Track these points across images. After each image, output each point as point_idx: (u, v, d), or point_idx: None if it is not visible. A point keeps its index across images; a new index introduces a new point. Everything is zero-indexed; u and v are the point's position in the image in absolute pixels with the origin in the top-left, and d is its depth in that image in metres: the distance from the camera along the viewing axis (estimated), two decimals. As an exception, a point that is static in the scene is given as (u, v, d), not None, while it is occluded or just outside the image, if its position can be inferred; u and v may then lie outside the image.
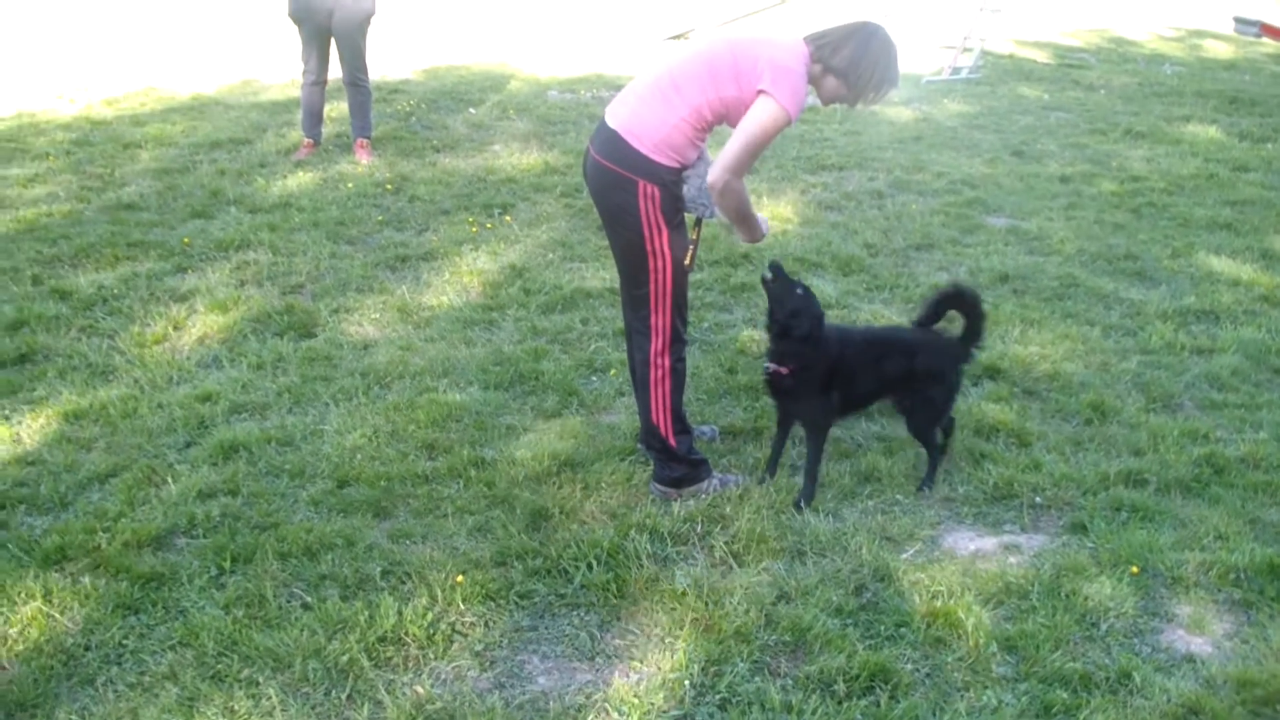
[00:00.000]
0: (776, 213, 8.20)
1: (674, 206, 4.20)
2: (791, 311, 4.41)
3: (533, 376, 5.54)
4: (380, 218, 7.92)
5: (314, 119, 9.44)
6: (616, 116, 4.19)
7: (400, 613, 3.71)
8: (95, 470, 4.61)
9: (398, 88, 12.28)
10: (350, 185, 8.55)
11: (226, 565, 3.99)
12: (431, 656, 3.59)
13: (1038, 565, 4.19)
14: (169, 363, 5.59)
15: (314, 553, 4.08)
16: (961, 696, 3.49)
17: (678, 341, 4.45)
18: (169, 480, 4.54)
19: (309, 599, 3.82)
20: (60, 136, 9.77)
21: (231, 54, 13.70)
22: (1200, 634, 3.85)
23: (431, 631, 3.67)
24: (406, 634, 3.64)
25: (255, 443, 4.83)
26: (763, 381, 4.72)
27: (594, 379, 5.62)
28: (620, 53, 15.10)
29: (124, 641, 3.61)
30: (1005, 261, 7.41)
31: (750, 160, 4.05)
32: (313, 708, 3.35)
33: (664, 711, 3.37)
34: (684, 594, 3.88)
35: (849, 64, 4.12)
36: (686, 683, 3.47)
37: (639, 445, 4.79)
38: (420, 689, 3.42)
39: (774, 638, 3.70)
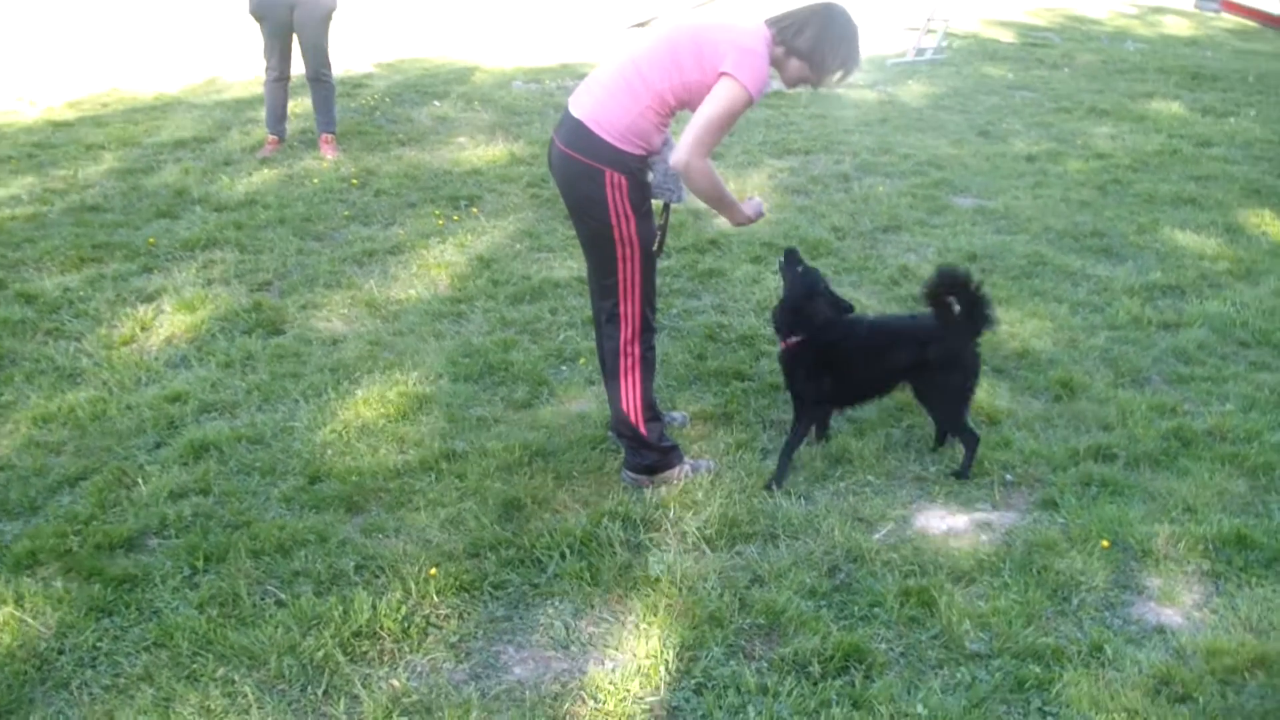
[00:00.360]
0: (742, 197, 8.17)
1: (641, 194, 4.20)
2: (789, 286, 4.66)
3: (502, 367, 5.54)
4: (346, 213, 7.89)
5: (278, 115, 9.38)
6: (581, 106, 4.17)
7: (374, 607, 3.71)
8: (65, 473, 4.58)
9: (361, 82, 12.22)
10: (316, 181, 8.50)
11: (199, 565, 3.97)
12: (407, 650, 3.59)
13: (1009, 542, 4.22)
14: (137, 364, 5.56)
15: (287, 550, 4.07)
16: (936, 674, 3.51)
17: (647, 329, 4.45)
18: (139, 481, 4.52)
19: (283, 596, 3.81)
20: (22, 139, 9.66)
21: (194, 53, 13.58)
22: (1170, 605, 3.89)
23: (406, 625, 3.67)
24: (381, 628, 3.64)
25: (225, 441, 4.80)
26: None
27: (563, 368, 5.62)
28: (584, 42, 15.05)
29: (98, 644, 3.59)
30: (973, 241, 7.45)
31: (713, 141, 4.04)
32: (289, 704, 3.35)
33: (640, 698, 3.38)
34: (658, 580, 3.89)
35: (811, 45, 4.12)
36: (662, 668, 3.48)
37: (609, 433, 4.80)
38: (396, 682, 3.42)
39: (748, 621, 3.72)
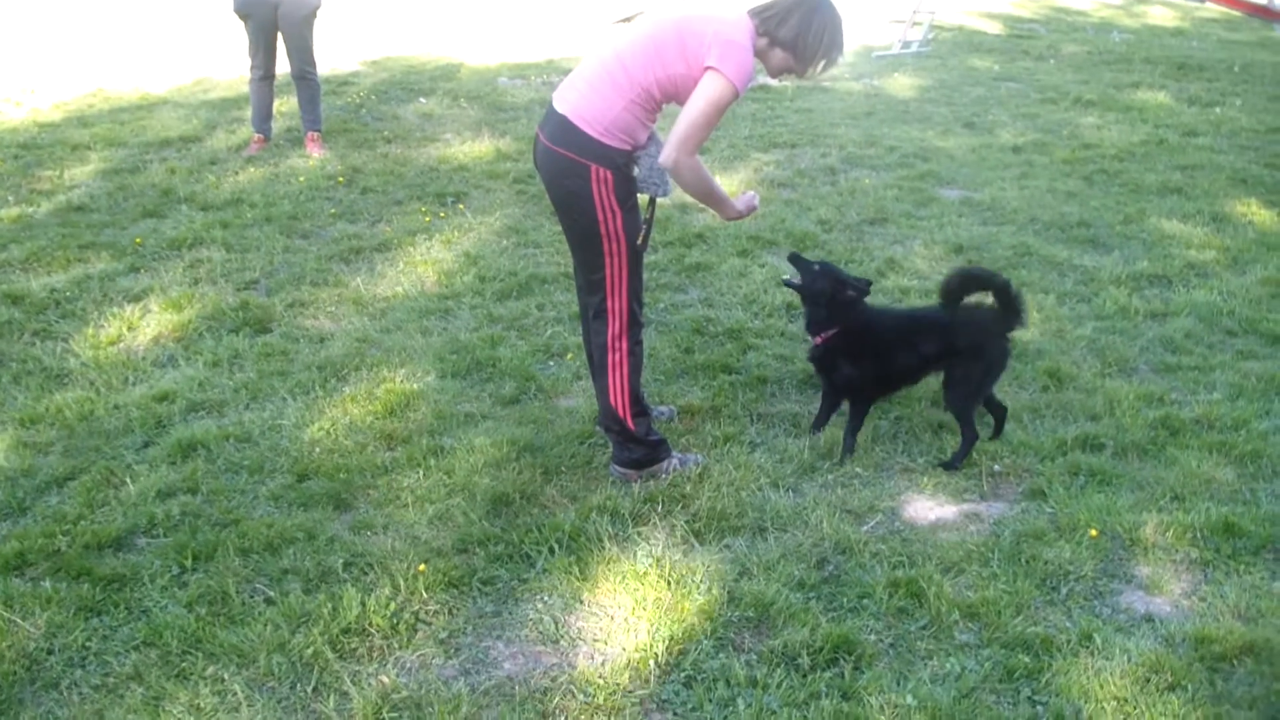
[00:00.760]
0: (730, 191, 8.17)
1: (627, 189, 4.19)
2: (810, 280, 4.69)
3: (490, 363, 5.53)
4: (333, 210, 7.87)
5: (263, 114, 9.37)
6: (565, 101, 4.16)
7: (363, 604, 3.70)
8: (53, 474, 4.57)
9: (347, 80, 12.20)
10: (302, 179, 8.49)
11: (188, 563, 3.96)
12: (396, 646, 3.58)
13: (998, 532, 4.23)
14: (124, 363, 5.54)
15: (275, 547, 4.06)
16: (925, 665, 3.52)
17: (635, 324, 4.44)
18: (128, 481, 4.51)
19: (272, 594, 3.81)
20: (7, 140, 9.63)
21: (179, 52, 13.54)
22: (1159, 594, 3.90)
23: (395, 621, 3.66)
24: (370, 625, 3.64)
25: (213, 440, 4.79)
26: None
27: (551, 364, 5.61)
28: (569, 37, 15.04)
29: (87, 644, 3.58)
30: (959, 233, 7.46)
31: (701, 136, 4.04)
32: (279, 701, 3.34)
33: (630, 691, 3.38)
34: (646, 574, 3.89)
35: (795, 35, 4.12)
36: (651, 662, 3.48)
37: (597, 428, 4.80)
38: (386, 679, 3.41)
39: (737, 614, 3.72)
